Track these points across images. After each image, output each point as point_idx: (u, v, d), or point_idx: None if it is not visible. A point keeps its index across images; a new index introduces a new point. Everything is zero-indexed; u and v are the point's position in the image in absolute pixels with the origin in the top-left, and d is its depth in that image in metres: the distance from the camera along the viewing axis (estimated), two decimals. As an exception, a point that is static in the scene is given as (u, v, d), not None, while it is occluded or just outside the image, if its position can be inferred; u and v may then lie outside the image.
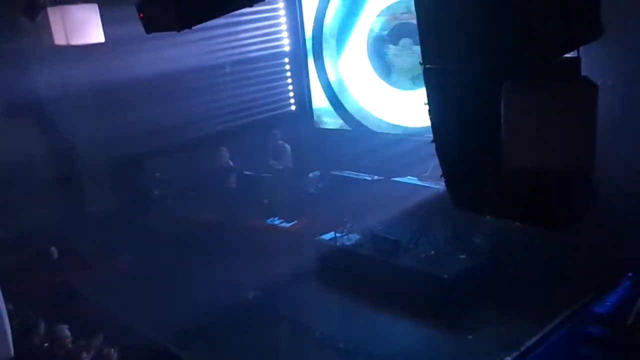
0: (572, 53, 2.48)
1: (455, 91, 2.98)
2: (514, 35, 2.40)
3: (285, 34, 12.04)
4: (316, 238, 9.34)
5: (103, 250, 10.12)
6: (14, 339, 4.95)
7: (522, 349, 6.34)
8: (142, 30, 4.03)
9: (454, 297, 7.58)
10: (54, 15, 5.57)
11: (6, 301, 4.99)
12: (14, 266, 8.62)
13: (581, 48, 2.46)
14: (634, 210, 6.26)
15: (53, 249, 9.22)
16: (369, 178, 8.87)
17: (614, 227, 6.16)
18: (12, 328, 5.01)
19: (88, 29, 4.65)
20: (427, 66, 3.07)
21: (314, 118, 11.85)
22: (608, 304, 6.41)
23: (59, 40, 4.94)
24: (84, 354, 6.01)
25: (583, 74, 2.48)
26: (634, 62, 6.51)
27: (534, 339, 6.46)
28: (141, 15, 3.95)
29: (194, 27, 3.83)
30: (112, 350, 6.25)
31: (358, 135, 10.82)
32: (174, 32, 3.83)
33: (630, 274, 6.58)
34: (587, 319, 6.49)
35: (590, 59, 2.74)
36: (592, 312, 6.48)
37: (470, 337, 7.06)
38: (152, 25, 3.54)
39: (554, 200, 2.70)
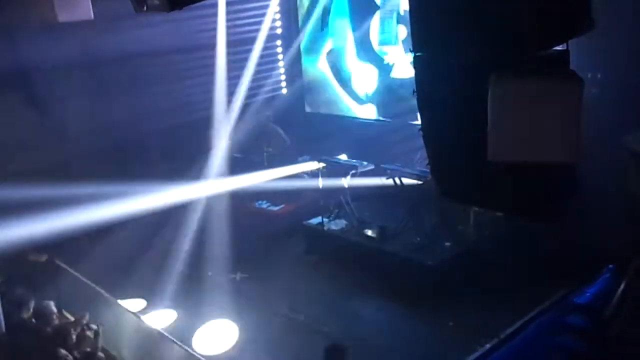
0: (561, 45, 2.46)
1: (444, 80, 2.96)
2: (503, 26, 2.37)
3: (277, 16, 11.94)
4: (304, 222, 9.34)
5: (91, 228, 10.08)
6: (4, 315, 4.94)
7: (502, 336, 6.39)
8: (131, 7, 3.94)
9: (438, 284, 7.61)
10: (43, -10, 5.44)
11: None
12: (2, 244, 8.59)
13: (572, 41, 2.44)
14: (616, 204, 6.28)
15: (40, 226, 9.18)
16: (357, 164, 8.86)
17: (596, 220, 6.19)
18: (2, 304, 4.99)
19: (77, 5, 4.56)
20: (417, 54, 3.04)
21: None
22: (588, 294, 6.48)
23: (48, 16, 4.86)
24: (71, 330, 5.99)
25: (573, 66, 2.46)
26: (625, 56, 6.50)
27: (514, 327, 6.51)
28: (131, -6, 3.87)
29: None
30: (98, 326, 6.24)
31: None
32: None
33: (610, 266, 6.64)
34: (566, 309, 6.55)
35: (580, 52, 2.72)
36: (572, 302, 6.55)
37: (451, 323, 7.12)
38: (141, 4, 3.46)
39: (538, 193, 2.69)
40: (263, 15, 11.74)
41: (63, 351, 5.43)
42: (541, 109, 2.20)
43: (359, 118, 10.90)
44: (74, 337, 5.90)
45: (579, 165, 2.69)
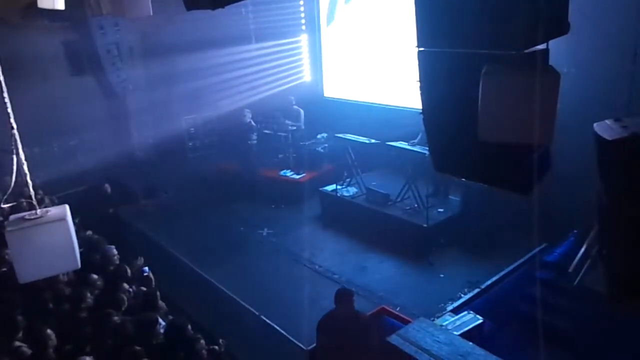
0: (542, 45, 2.46)
1: (443, 72, 2.95)
2: (495, 27, 2.37)
3: (302, 14, 11.82)
4: (320, 189, 9.40)
5: (146, 189, 10.26)
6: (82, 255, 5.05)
7: (483, 286, 6.45)
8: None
9: (431, 243, 7.68)
10: (112, -9, 5.45)
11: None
12: (77, 198, 8.79)
13: (551, 40, 2.44)
14: (582, 179, 6.24)
15: (107, 185, 9.35)
16: (367, 141, 8.84)
17: (565, 192, 6.17)
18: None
19: (139, 3, 4.57)
20: (421, 49, 3.04)
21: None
22: (556, 254, 6.50)
23: (115, 12, 4.88)
24: (128, 269, 6.12)
25: (551, 62, 2.46)
26: (593, 55, 6.42)
27: (493, 279, 6.55)
28: (183, -6, 3.84)
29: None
30: (149, 269, 6.36)
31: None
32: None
33: (575, 230, 6.64)
34: (538, 266, 6.58)
35: (558, 51, 2.71)
36: (542, 260, 6.57)
37: (442, 275, 7.19)
38: (192, 3, 3.43)
39: (516, 168, 2.71)
40: (291, 13, 11.68)
41: (126, 285, 5.54)
42: (523, 98, 2.22)
43: (369, 103, 10.82)
44: (129, 273, 6.04)
45: (553, 146, 2.70)
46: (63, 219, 3.08)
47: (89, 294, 5.21)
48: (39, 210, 3.06)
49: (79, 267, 3.42)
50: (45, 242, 3.00)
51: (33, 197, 3.13)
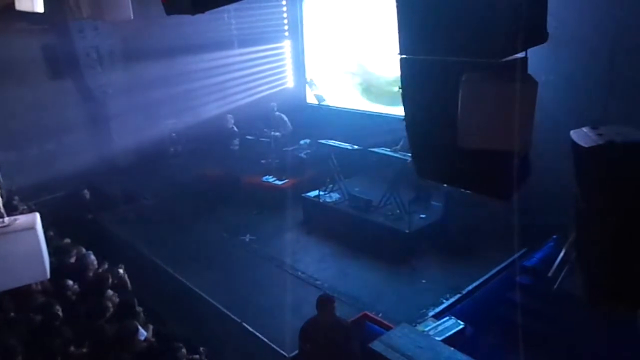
0: (521, 53, 2.50)
1: (425, 79, 2.97)
2: (475, 36, 2.40)
3: (285, 21, 11.83)
4: (303, 194, 9.39)
5: (126, 195, 10.13)
6: (53, 261, 4.95)
7: (463, 292, 6.50)
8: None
9: (413, 249, 7.71)
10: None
11: (47, 229, 4.93)
12: (55, 204, 8.65)
13: (529, 49, 2.48)
14: (561, 185, 6.34)
15: (86, 191, 9.22)
16: (349, 147, 8.85)
17: (545, 199, 6.25)
18: (51, 251, 5.00)
19: (120, 7, 4.52)
20: (403, 56, 3.06)
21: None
22: (535, 259, 6.59)
23: (96, 16, 4.82)
24: (109, 277, 6.01)
25: (530, 71, 2.50)
26: (571, 63, 6.55)
27: (474, 284, 6.61)
28: (163, -1, 3.81)
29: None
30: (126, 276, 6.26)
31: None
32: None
33: (554, 236, 6.75)
34: (517, 271, 6.66)
35: (536, 59, 2.75)
36: (522, 265, 6.65)
37: (424, 281, 7.22)
38: (172, 8, 3.39)
39: (496, 174, 2.74)
40: (274, 19, 11.70)
41: (110, 291, 5.43)
42: (502, 106, 2.25)
43: (352, 109, 10.87)
44: (110, 281, 5.93)
45: (531, 153, 2.74)
46: (32, 228, 2.98)
47: (57, 306, 5.07)
48: (6, 219, 2.96)
49: (47, 277, 3.30)
50: (12, 251, 2.89)
51: (0, 204, 3.05)
